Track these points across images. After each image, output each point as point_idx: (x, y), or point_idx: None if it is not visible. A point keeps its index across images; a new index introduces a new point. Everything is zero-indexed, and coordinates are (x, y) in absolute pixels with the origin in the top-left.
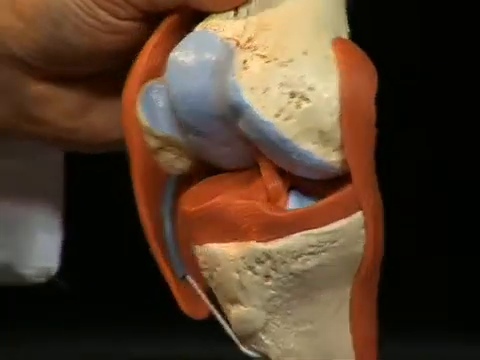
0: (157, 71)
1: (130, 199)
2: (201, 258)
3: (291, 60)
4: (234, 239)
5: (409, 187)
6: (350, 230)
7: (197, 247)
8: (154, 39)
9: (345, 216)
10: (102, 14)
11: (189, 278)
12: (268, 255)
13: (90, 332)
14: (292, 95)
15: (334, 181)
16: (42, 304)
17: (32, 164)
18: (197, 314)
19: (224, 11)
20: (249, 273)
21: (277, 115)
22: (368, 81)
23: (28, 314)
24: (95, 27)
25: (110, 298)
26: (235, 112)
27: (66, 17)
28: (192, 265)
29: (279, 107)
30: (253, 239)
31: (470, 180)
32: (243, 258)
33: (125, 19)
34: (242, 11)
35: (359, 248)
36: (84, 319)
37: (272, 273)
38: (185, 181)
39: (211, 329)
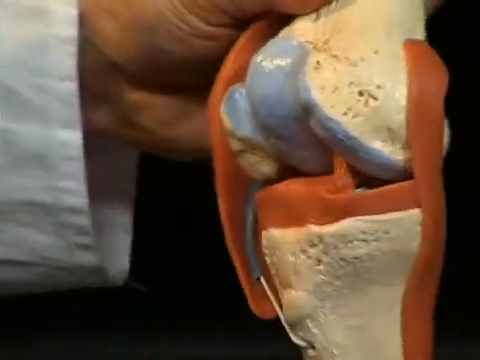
0: (243, 75)
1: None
2: (264, 243)
3: (362, 59)
4: (293, 224)
5: None
6: (405, 224)
7: (263, 233)
8: (240, 43)
9: (401, 209)
10: (193, 20)
11: (262, 280)
12: (321, 238)
13: (90, 332)
14: (360, 93)
15: (401, 181)
16: (42, 305)
17: (109, 166)
18: (265, 314)
19: (307, 14)
20: (302, 257)
21: (345, 113)
22: (437, 81)
23: (28, 314)
24: (187, 33)
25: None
26: (306, 111)
27: (160, 23)
28: (264, 267)
29: (347, 105)
30: (311, 223)
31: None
32: (298, 242)
33: (215, 25)
34: (322, 15)
35: (414, 246)
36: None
37: (323, 257)
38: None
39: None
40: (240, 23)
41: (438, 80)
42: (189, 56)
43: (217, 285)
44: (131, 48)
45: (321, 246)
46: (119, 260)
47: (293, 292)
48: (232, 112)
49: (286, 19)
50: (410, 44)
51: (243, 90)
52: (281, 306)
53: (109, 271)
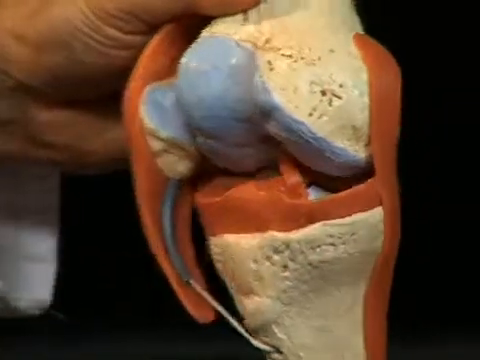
0: (158, 74)
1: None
2: (216, 249)
3: (319, 58)
4: (253, 229)
5: None
6: (370, 224)
7: (212, 238)
8: (154, 43)
9: (366, 209)
10: (109, 31)
11: (193, 282)
12: (287, 245)
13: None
14: (323, 93)
15: (353, 178)
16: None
17: (26, 192)
18: (206, 317)
19: (232, 15)
20: (267, 263)
21: (310, 114)
22: (394, 76)
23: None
24: (104, 44)
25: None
26: (265, 114)
27: (76, 37)
28: (193, 267)
29: (312, 106)
30: (273, 229)
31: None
32: (261, 248)
33: (132, 33)
34: (252, 14)
35: (378, 244)
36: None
37: (290, 263)
38: (185, 186)
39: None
40: (156, 29)
41: (394, 77)
42: (107, 67)
43: (217, 285)
44: (46, 69)
45: (287, 252)
46: (34, 291)
47: (256, 298)
48: (153, 113)
49: (203, 21)
50: (359, 39)
51: (165, 89)
52: (232, 311)
53: (19, 302)
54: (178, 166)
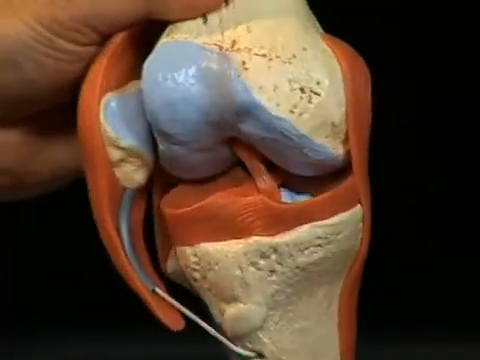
0: (115, 82)
1: None
2: (193, 259)
3: (294, 56)
4: (233, 236)
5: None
6: (352, 223)
7: (187, 249)
8: (109, 52)
9: (348, 208)
10: (62, 43)
11: (158, 290)
12: (275, 249)
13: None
14: (302, 90)
15: (323, 177)
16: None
17: None
18: (177, 325)
19: (192, 20)
20: (252, 269)
21: (292, 111)
22: (364, 74)
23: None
24: (56, 58)
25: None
26: (242, 114)
27: (24, 54)
28: (152, 274)
29: (292, 103)
30: (257, 234)
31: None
32: (245, 254)
33: (85, 45)
34: (213, 18)
35: (356, 242)
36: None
37: (278, 267)
38: (139, 195)
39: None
40: (106, 40)
41: (365, 75)
42: (56, 82)
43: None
44: None
45: (274, 256)
46: None
47: (241, 305)
48: (114, 122)
49: (159, 25)
50: (329, 39)
51: (125, 99)
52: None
53: None
54: (136, 175)
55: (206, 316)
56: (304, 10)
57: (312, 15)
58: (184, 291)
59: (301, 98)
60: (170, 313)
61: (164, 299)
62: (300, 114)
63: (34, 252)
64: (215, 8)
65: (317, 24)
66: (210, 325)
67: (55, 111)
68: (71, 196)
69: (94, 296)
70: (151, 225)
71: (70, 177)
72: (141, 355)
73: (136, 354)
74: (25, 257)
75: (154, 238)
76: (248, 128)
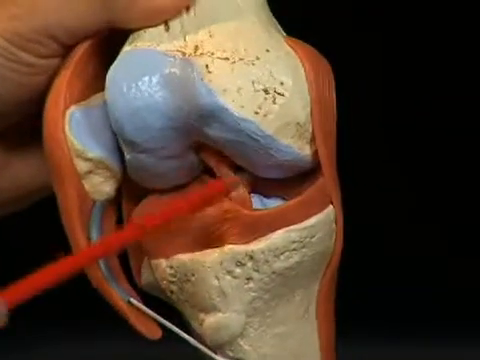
0: (80, 94)
1: None
2: (169, 271)
3: (257, 58)
4: (208, 246)
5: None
6: (325, 224)
7: (162, 261)
8: (71, 63)
9: (320, 210)
10: (25, 56)
11: (133, 300)
12: (251, 256)
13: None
14: (266, 91)
15: (291, 180)
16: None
17: None
18: (155, 334)
19: (153, 27)
20: (228, 278)
21: (256, 112)
22: (328, 74)
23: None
24: (20, 72)
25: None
26: (207, 117)
27: None
28: (126, 285)
29: (257, 104)
30: (231, 242)
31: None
32: (221, 263)
33: (48, 57)
34: (174, 25)
35: (331, 243)
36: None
37: (254, 274)
38: (108, 206)
39: None
40: (70, 51)
41: (328, 74)
42: (20, 96)
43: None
44: None
45: (250, 264)
46: None
47: (219, 314)
48: (79, 133)
49: (120, 35)
50: (291, 40)
51: (89, 110)
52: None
53: None
54: (104, 187)
55: (183, 324)
56: (265, 13)
57: (273, 18)
58: (159, 300)
59: (265, 99)
60: (147, 323)
61: (139, 309)
62: (265, 115)
63: (34, 252)
64: (176, 15)
65: (279, 27)
66: (188, 333)
67: (17, 127)
68: None
69: (94, 296)
70: None
71: (33, 196)
72: (142, 355)
73: (136, 354)
74: (25, 257)
75: (125, 250)
76: (214, 132)
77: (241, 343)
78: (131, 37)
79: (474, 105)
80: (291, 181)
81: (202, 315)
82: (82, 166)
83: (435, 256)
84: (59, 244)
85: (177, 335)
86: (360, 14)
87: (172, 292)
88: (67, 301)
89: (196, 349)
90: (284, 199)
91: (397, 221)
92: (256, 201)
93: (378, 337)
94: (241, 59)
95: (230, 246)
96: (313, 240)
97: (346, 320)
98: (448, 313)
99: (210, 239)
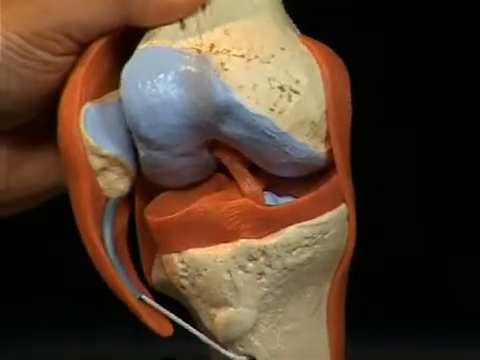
0: (95, 91)
1: None
2: (180, 266)
3: (272, 56)
4: (220, 241)
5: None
6: (337, 222)
7: (174, 256)
8: (86, 61)
9: (333, 207)
10: (41, 54)
11: (145, 297)
12: (263, 251)
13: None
14: (282, 89)
15: (305, 179)
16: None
17: None
18: (167, 331)
19: (169, 25)
20: (240, 272)
21: (272, 109)
22: (343, 73)
23: (27, 314)
24: (34, 69)
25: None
26: (223, 113)
27: (4, 67)
28: (137, 282)
29: (272, 101)
30: (244, 237)
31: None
32: (234, 258)
33: (63, 54)
34: (190, 23)
35: (343, 241)
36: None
37: (266, 270)
38: (122, 203)
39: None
40: (85, 49)
41: (344, 73)
42: (34, 94)
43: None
44: None
45: (263, 259)
46: None
47: (231, 309)
48: (94, 130)
49: (134, 33)
50: (307, 39)
51: (105, 107)
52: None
53: None
54: (118, 184)
55: (192, 323)
56: (280, 11)
57: (288, 17)
58: (169, 299)
59: (281, 96)
60: (158, 319)
61: (151, 306)
62: (280, 112)
63: (34, 252)
64: (192, 12)
65: (294, 25)
66: (199, 330)
67: (30, 126)
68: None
69: (94, 296)
70: (134, 236)
71: (41, 197)
72: (142, 355)
73: (137, 354)
74: (25, 257)
75: (137, 248)
76: (229, 129)
77: (251, 339)
78: (146, 35)
79: (474, 105)
80: (304, 180)
81: (213, 310)
82: (97, 163)
83: (435, 256)
84: (67, 243)
85: (182, 334)
86: (360, 14)
87: (183, 287)
88: (67, 301)
89: (206, 346)
90: (296, 198)
91: (397, 221)
92: (269, 199)
93: (378, 337)
94: (257, 57)
95: (243, 240)
96: (325, 237)
97: (346, 320)
98: (448, 313)
99: (223, 234)
